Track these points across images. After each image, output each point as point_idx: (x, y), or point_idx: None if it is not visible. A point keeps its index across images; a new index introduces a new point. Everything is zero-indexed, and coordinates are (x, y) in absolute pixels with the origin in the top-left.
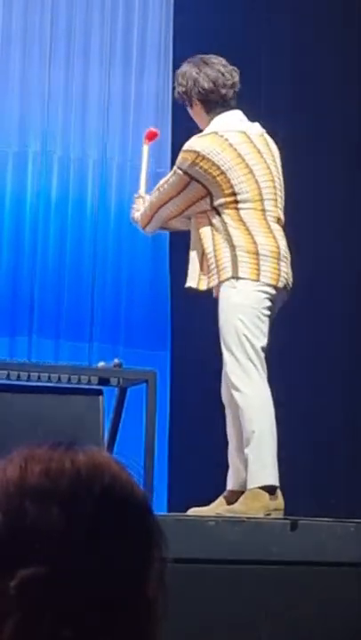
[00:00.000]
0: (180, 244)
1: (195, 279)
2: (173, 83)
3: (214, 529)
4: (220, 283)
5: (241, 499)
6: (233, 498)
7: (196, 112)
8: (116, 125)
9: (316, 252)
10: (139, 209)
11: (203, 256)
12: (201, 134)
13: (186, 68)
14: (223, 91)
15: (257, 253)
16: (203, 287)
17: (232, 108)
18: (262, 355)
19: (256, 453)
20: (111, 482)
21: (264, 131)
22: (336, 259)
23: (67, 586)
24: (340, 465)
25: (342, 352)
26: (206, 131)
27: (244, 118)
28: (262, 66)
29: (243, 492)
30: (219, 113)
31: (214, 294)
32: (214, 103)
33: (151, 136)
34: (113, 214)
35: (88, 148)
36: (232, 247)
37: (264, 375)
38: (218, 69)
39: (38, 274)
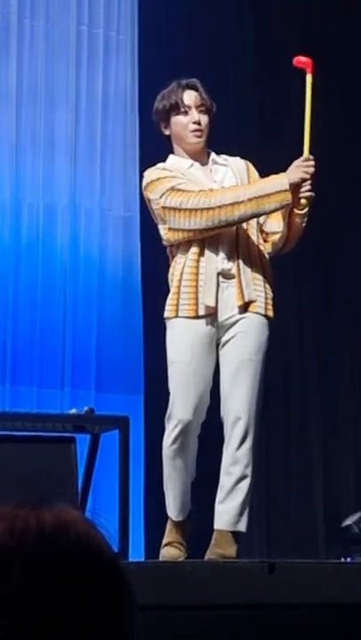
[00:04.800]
0: (152, 283)
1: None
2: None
3: (191, 574)
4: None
5: (220, 541)
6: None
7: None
8: (84, 171)
9: None
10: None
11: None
12: None
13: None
14: None
15: None
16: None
17: None
18: None
19: (243, 499)
20: (77, 540)
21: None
22: None
23: None
24: None
25: None
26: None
27: None
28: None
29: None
30: None
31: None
32: None
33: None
34: (82, 260)
35: (57, 195)
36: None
37: None
38: None
39: (10, 321)
